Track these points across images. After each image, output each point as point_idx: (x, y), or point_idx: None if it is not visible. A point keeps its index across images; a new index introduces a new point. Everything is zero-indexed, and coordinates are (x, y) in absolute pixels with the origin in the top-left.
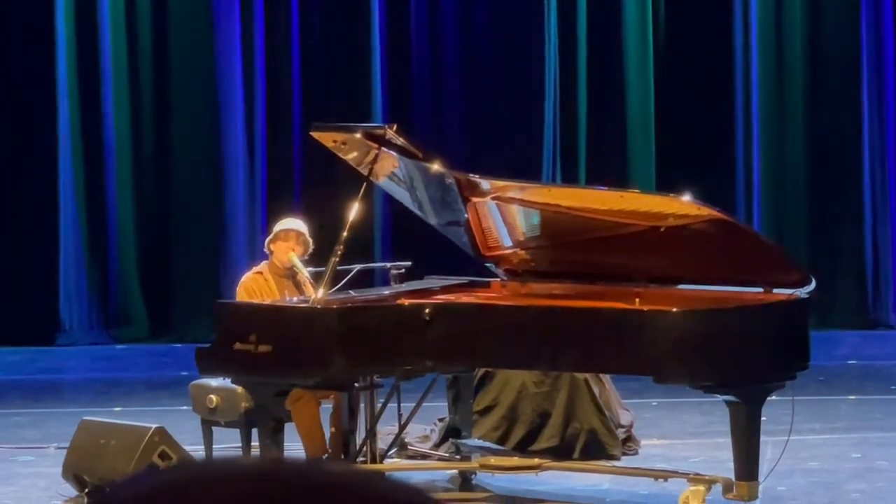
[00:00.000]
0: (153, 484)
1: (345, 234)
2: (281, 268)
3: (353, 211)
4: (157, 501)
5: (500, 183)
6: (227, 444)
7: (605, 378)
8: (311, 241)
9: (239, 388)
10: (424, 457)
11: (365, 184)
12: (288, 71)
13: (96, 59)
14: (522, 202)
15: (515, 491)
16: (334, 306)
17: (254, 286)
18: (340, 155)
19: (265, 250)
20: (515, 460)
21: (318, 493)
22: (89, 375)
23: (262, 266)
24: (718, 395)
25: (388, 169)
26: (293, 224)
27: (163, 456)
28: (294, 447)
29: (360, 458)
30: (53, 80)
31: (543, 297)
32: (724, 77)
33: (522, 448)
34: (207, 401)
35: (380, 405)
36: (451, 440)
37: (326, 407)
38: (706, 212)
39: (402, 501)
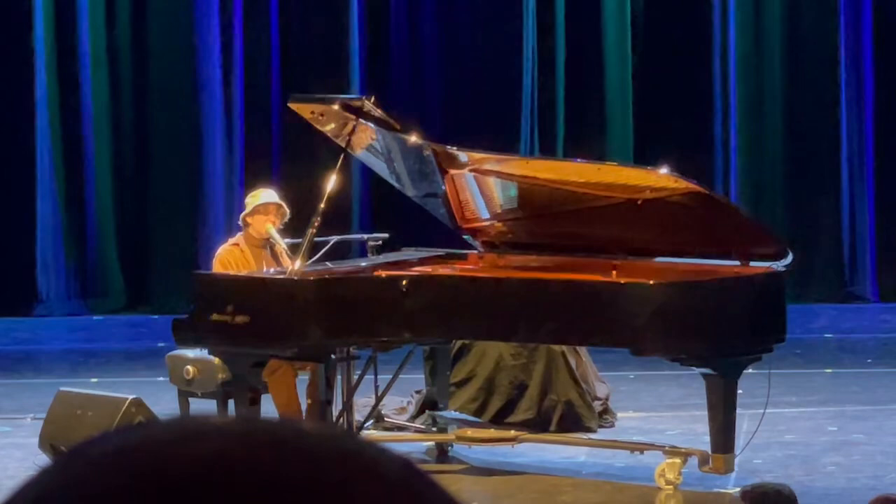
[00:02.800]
0: (118, 443)
1: (322, 205)
2: (257, 239)
3: (331, 182)
4: (122, 461)
5: (478, 155)
6: None
7: (582, 350)
8: (287, 210)
9: (216, 360)
10: (401, 429)
11: (342, 155)
12: (266, 42)
13: (74, 27)
14: (500, 174)
15: (492, 463)
16: (311, 278)
17: (230, 258)
18: (318, 126)
19: (240, 223)
20: (492, 432)
21: (290, 452)
22: (66, 346)
23: (238, 238)
24: (695, 368)
25: (366, 140)
26: (270, 197)
27: None
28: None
29: None
30: (31, 50)
31: (520, 270)
32: (701, 49)
33: (499, 420)
34: (184, 372)
35: (356, 377)
36: (427, 412)
37: (303, 378)
38: (684, 184)
39: (377, 461)
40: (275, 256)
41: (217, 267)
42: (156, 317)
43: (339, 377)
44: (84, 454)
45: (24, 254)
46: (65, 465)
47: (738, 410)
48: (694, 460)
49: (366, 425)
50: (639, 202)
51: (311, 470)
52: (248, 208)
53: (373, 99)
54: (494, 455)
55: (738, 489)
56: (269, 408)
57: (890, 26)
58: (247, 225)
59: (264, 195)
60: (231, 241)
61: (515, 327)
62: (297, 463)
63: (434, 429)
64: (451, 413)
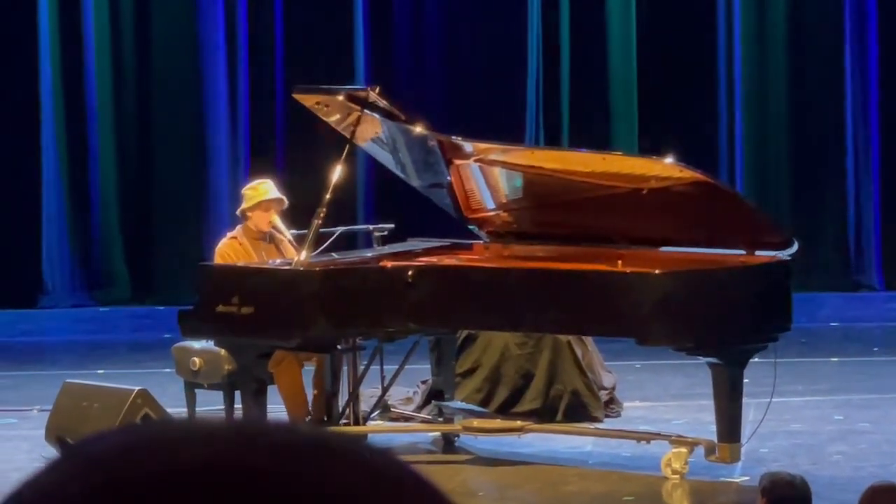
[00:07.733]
0: (111, 445)
1: (327, 196)
2: (256, 231)
3: (336, 173)
4: (115, 463)
5: (483, 145)
6: (210, 406)
7: (588, 340)
8: (286, 201)
9: (222, 351)
10: (407, 419)
11: (347, 146)
12: (271, 33)
13: (78, 20)
14: (505, 164)
15: (498, 453)
16: (317, 268)
17: (230, 252)
18: (323, 117)
19: (239, 214)
20: (498, 422)
21: (284, 457)
22: (72, 338)
23: (237, 231)
24: (701, 358)
25: (371, 131)
26: (273, 192)
27: (146, 418)
28: (277, 409)
29: (343, 421)
30: (35, 41)
31: (526, 260)
32: (706, 38)
33: (505, 410)
34: (190, 363)
35: (362, 367)
36: (433, 402)
37: (309, 369)
38: (689, 174)
39: (377, 466)
40: (277, 247)
41: (218, 262)
42: (161, 308)
43: (344, 368)
44: (69, 458)
45: (30, 245)
46: (47, 470)
47: (744, 399)
48: (700, 450)
49: (372, 416)
50: (644, 192)
51: (305, 477)
52: (251, 202)
53: (378, 89)
54: (500, 445)
55: (744, 478)
56: (275, 399)
57: (895, 13)
58: (246, 217)
59: (266, 190)
60: (229, 234)
61: (521, 317)
62: (291, 471)
63: (440, 419)
64: (457, 403)
